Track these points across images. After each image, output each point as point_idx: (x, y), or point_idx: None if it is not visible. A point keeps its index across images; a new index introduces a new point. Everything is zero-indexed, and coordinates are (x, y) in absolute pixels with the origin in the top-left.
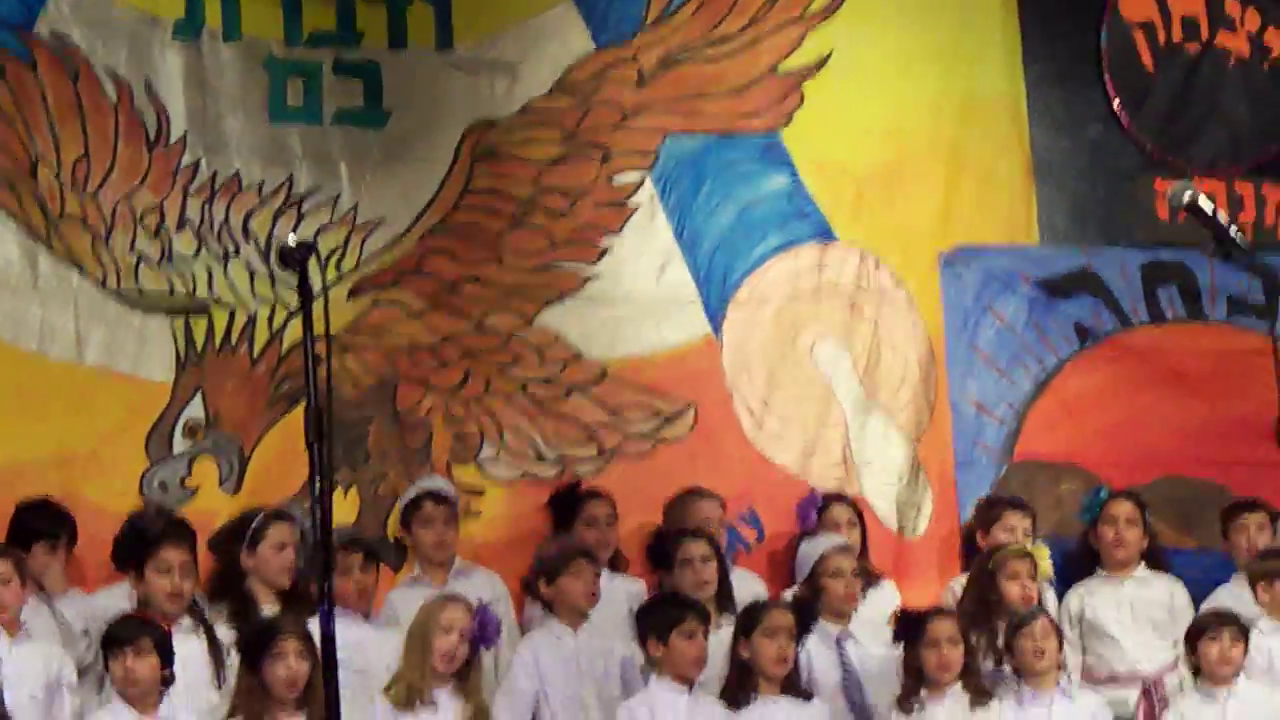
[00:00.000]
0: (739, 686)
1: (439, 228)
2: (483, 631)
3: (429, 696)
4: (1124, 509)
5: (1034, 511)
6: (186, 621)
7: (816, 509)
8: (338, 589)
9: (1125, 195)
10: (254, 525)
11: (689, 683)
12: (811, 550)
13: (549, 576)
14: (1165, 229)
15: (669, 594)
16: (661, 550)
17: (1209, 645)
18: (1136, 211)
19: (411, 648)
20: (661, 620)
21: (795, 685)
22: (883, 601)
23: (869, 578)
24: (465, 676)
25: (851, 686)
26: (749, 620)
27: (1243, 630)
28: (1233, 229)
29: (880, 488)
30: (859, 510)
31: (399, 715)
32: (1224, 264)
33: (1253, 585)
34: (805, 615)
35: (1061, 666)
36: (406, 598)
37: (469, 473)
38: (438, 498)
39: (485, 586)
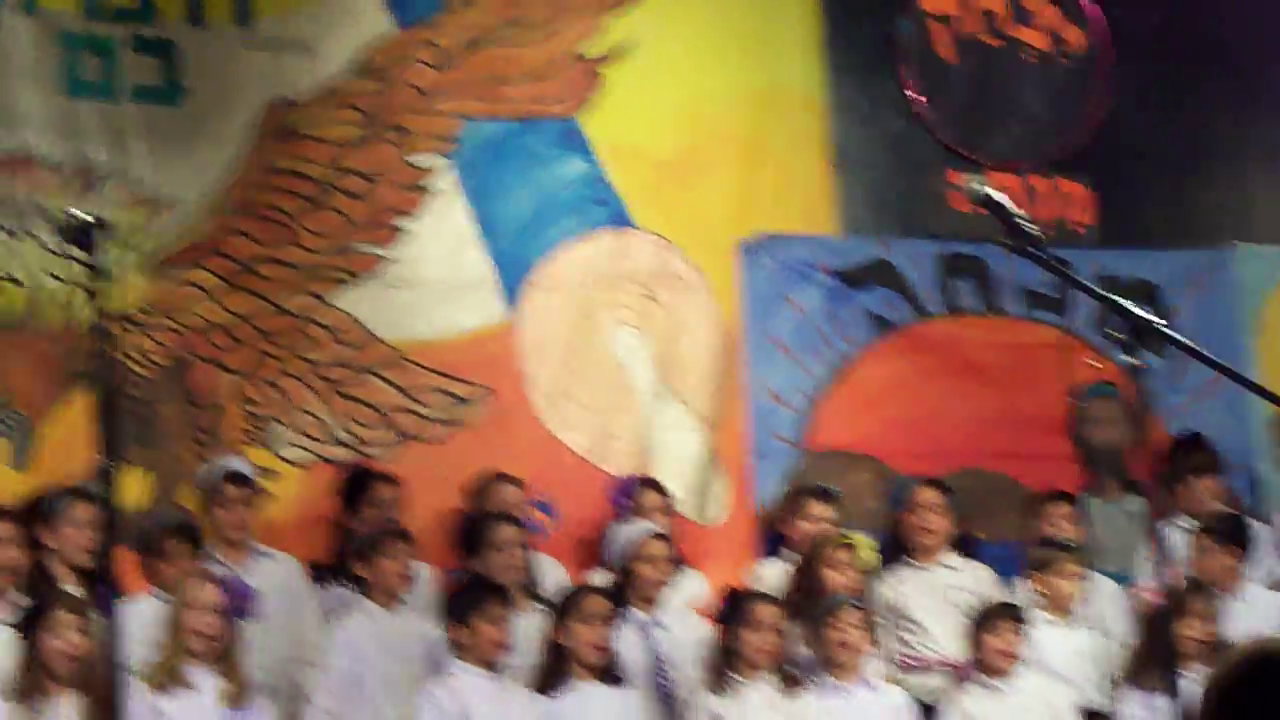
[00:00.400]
0: (553, 672)
1: (236, 208)
2: (238, 605)
3: (183, 677)
4: (929, 496)
5: (840, 500)
6: None
7: (629, 493)
8: (161, 570)
9: (922, 187)
10: (53, 503)
11: (492, 666)
12: (624, 535)
13: (364, 557)
14: (962, 222)
15: (472, 577)
16: (471, 533)
17: (989, 638)
18: (933, 204)
19: (165, 629)
20: (465, 603)
21: (609, 671)
22: (688, 588)
23: (676, 564)
24: (224, 655)
25: (659, 673)
26: (567, 606)
27: (1023, 622)
28: (1026, 223)
29: (675, 475)
30: (669, 497)
31: (155, 698)
32: (1019, 258)
33: (1028, 577)
34: (616, 601)
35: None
36: None
37: (262, 454)
38: (238, 479)
39: (282, 569)
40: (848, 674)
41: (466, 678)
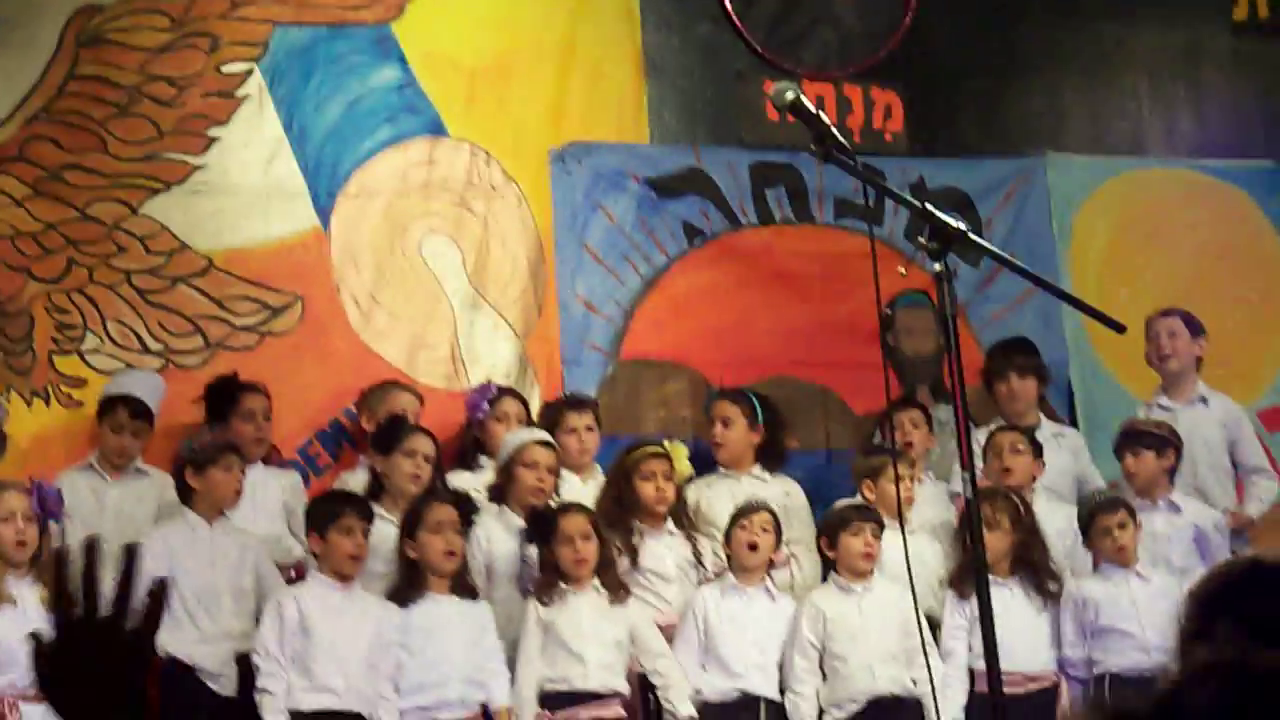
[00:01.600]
0: (407, 585)
1: (42, 114)
2: (45, 508)
3: (5, 591)
4: (722, 409)
5: (596, 407)
6: None
7: (489, 400)
8: None
9: (735, 96)
10: None
11: (346, 579)
12: (512, 439)
13: (198, 467)
14: (774, 130)
15: (332, 490)
16: (387, 435)
17: (850, 539)
18: (746, 112)
19: None
20: (322, 515)
21: (463, 583)
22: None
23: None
24: (37, 561)
25: (526, 578)
26: (413, 517)
27: (882, 526)
28: (835, 131)
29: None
30: (527, 407)
31: None
32: (826, 164)
33: (858, 483)
34: (496, 501)
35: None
36: (74, 482)
37: (71, 364)
38: (135, 409)
39: (155, 486)
40: (750, 577)
41: (317, 588)
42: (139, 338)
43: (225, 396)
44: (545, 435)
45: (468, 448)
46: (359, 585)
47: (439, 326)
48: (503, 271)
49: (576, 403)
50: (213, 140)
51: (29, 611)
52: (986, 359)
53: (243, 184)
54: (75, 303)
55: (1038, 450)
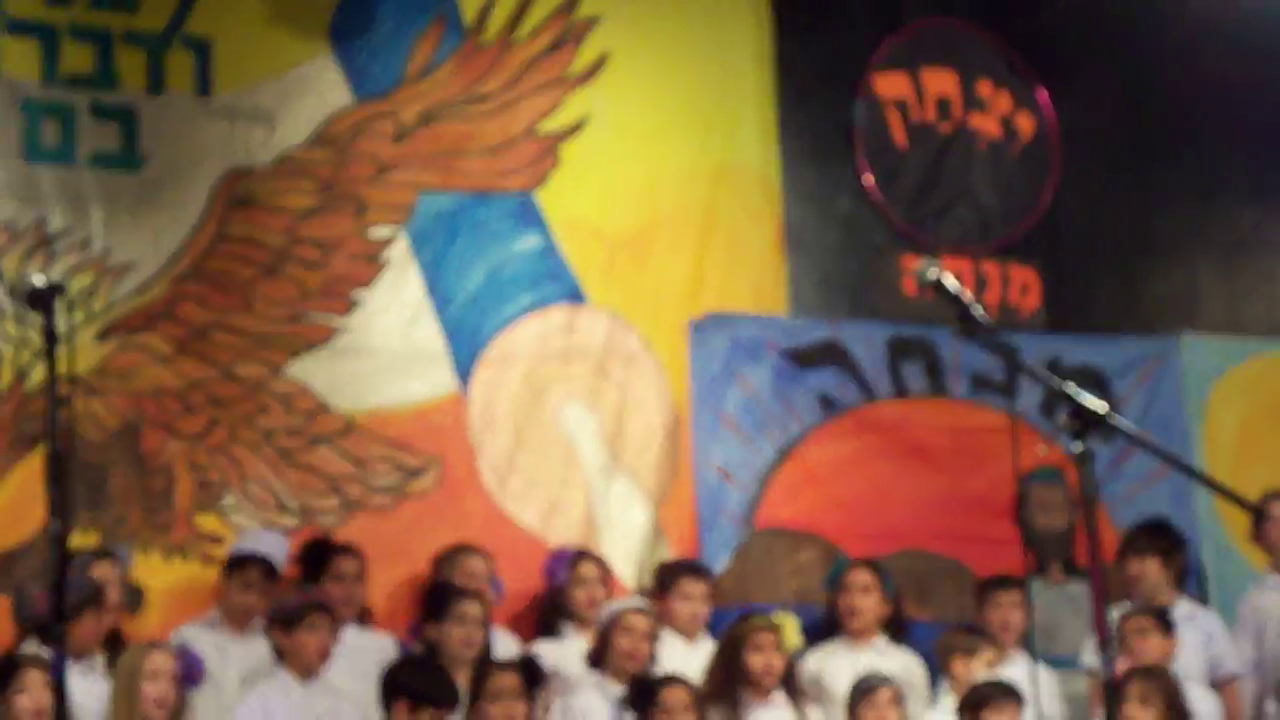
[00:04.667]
0: None
1: (190, 273)
2: (188, 673)
3: None
4: (861, 577)
5: (711, 577)
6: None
7: (567, 564)
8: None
9: (873, 270)
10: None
11: None
12: (612, 606)
13: (285, 626)
14: (911, 305)
15: (432, 666)
16: (434, 603)
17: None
18: (884, 286)
19: (119, 697)
20: (417, 689)
21: None
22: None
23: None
24: None
25: None
26: (476, 686)
27: (1021, 704)
28: (975, 308)
29: (622, 550)
30: (608, 569)
31: None
32: (966, 342)
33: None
34: (594, 667)
35: None
36: (197, 636)
37: (211, 520)
38: (267, 568)
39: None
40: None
41: None
42: (277, 496)
43: (318, 557)
44: (642, 602)
45: (547, 615)
46: None
47: (574, 492)
48: (638, 438)
49: (694, 570)
50: (356, 302)
51: None
52: (1121, 539)
53: (384, 346)
54: (216, 460)
55: (1167, 629)
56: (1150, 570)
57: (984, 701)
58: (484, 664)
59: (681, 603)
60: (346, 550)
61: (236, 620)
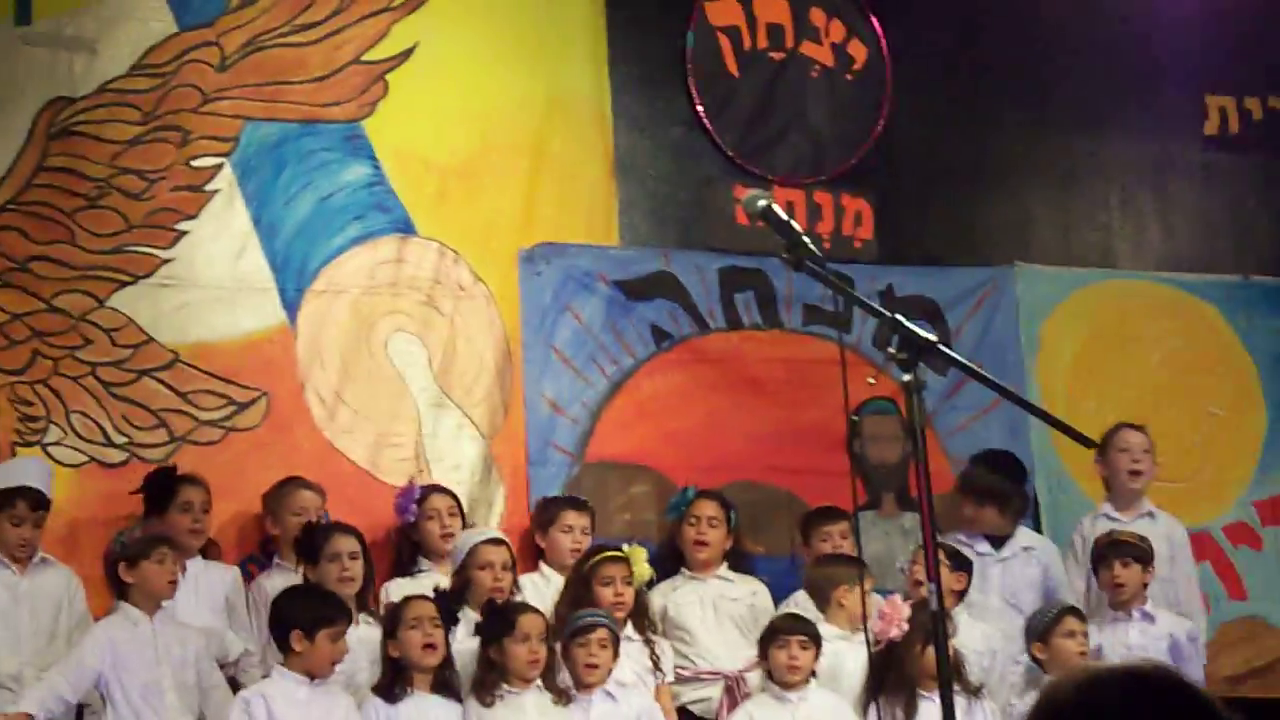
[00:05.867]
0: (392, 683)
1: (10, 205)
2: None
3: None
4: (708, 509)
5: (592, 510)
6: None
7: (415, 500)
8: None
9: (706, 200)
10: None
11: (313, 677)
12: (464, 541)
13: (130, 561)
14: (744, 235)
15: (318, 590)
16: (310, 543)
17: (777, 651)
18: (716, 216)
19: None
20: (312, 618)
21: (448, 682)
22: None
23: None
24: None
25: None
26: (393, 616)
27: (813, 637)
28: (804, 237)
29: (452, 483)
30: (459, 501)
31: None
32: (795, 272)
33: (811, 593)
34: (454, 604)
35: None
36: None
37: (34, 456)
38: (32, 499)
39: (61, 580)
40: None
41: (284, 685)
42: (103, 430)
43: (163, 488)
44: (496, 533)
45: (403, 552)
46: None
47: (404, 425)
48: (469, 371)
49: (578, 503)
50: (181, 234)
51: None
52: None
53: (210, 278)
54: (39, 394)
55: (958, 565)
56: (986, 516)
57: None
58: (403, 599)
59: (563, 534)
60: (192, 480)
61: (17, 557)
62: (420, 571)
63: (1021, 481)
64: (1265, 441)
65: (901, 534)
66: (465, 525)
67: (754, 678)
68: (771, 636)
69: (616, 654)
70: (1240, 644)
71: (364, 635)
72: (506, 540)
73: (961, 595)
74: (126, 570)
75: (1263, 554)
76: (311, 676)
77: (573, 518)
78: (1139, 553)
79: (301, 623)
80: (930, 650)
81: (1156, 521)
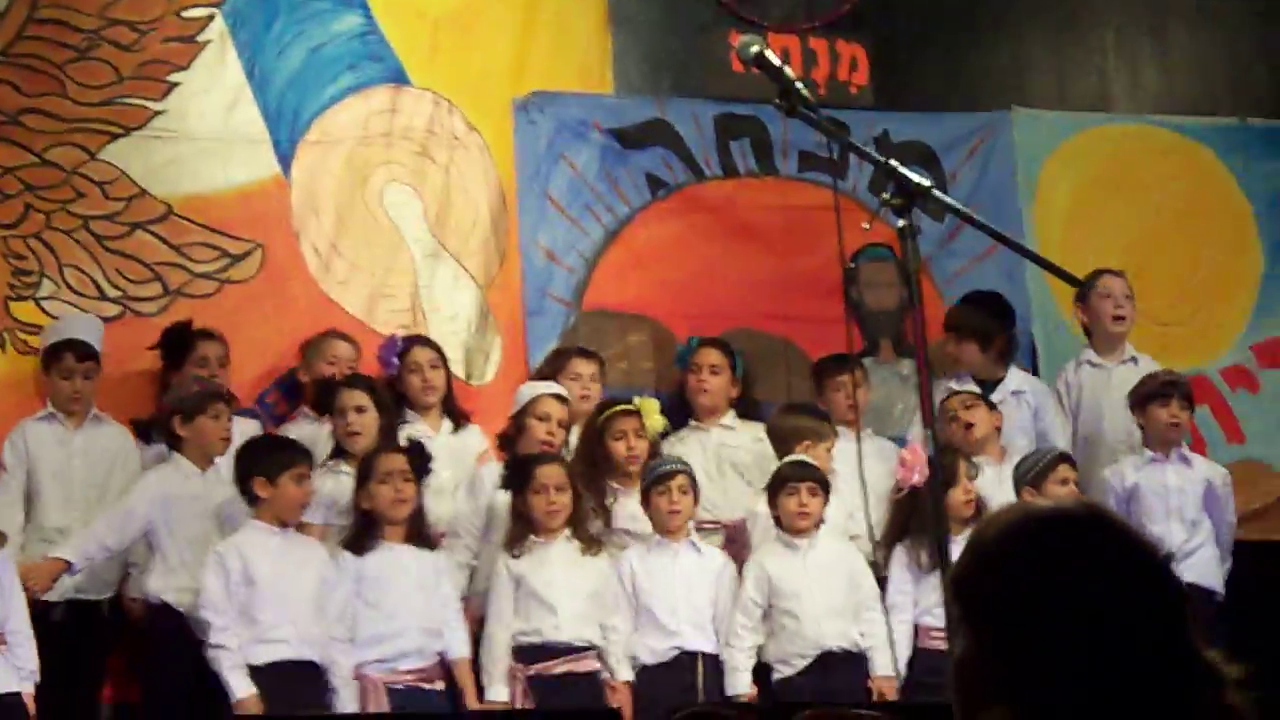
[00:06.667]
0: (362, 534)
1: (0, 58)
2: None
3: None
4: (709, 357)
5: (601, 358)
6: None
7: (397, 353)
8: None
9: (700, 47)
10: None
11: (286, 525)
12: (526, 391)
13: (186, 415)
14: (739, 82)
15: (275, 437)
16: (322, 397)
17: (786, 499)
18: (711, 63)
19: None
20: (275, 461)
21: (419, 532)
22: (473, 443)
23: (457, 420)
24: None
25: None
26: (365, 468)
27: (822, 483)
28: (797, 84)
29: (449, 334)
30: (441, 352)
31: None
32: (789, 118)
33: (773, 440)
34: (508, 450)
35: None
36: (39, 432)
37: (27, 310)
38: (79, 351)
39: (115, 436)
40: (678, 536)
41: (257, 535)
42: (96, 284)
43: (180, 343)
44: (559, 388)
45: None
46: (293, 530)
47: (399, 276)
48: (464, 221)
49: (585, 352)
50: (173, 85)
51: None
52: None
53: (202, 130)
54: (32, 248)
55: (990, 405)
56: (967, 353)
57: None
58: (374, 451)
59: (572, 383)
60: (209, 335)
61: (70, 410)
62: (404, 423)
63: (1006, 321)
64: (1261, 285)
65: (899, 380)
66: (450, 378)
67: (756, 525)
68: (780, 484)
69: (697, 499)
70: (1239, 487)
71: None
72: (568, 398)
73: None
74: (181, 424)
75: (1260, 397)
76: (283, 524)
77: (581, 365)
78: (1190, 395)
79: (262, 469)
80: (953, 492)
81: (1139, 366)
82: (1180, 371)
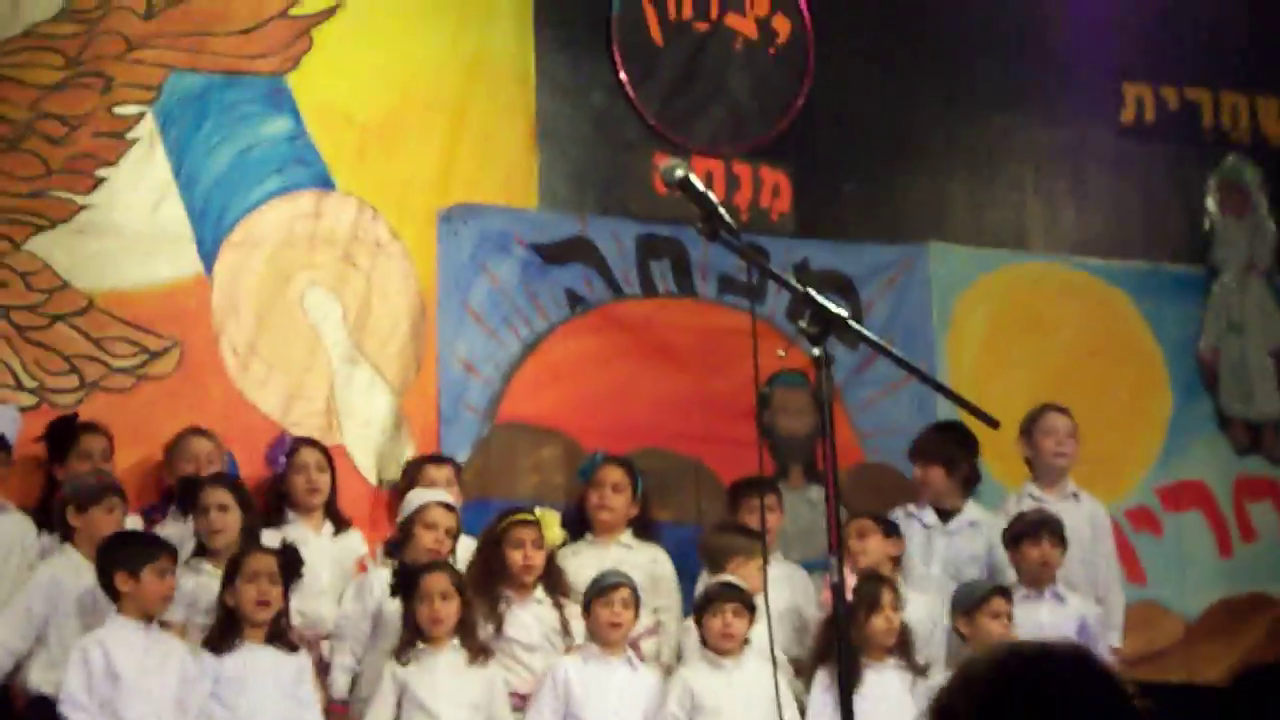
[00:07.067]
0: (224, 634)
1: None
2: None
3: None
4: (612, 475)
5: (456, 464)
6: None
7: (285, 452)
8: None
9: (625, 166)
10: None
11: (150, 620)
12: (415, 498)
13: (80, 506)
14: (662, 203)
15: (136, 531)
16: (185, 493)
17: (711, 619)
18: (635, 183)
19: None
20: (136, 555)
21: (281, 634)
22: (354, 547)
23: (339, 524)
24: None
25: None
26: (232, 566)
27: (748, 604)
28: (719, 208)
29: (362, 439)
30: (329, 455)
31: None
32: (710, 242)
33: (705, 559)
34: (391, 556)
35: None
36: None
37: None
38: None
39: (13, 527)
40: (613, 649)
41: (121, 630)
42: (14, 374)
43: (64, 436)
44: (447, 496)
45: (272, 502)
46: (156, 625)
47: (316, 379)
48: (383, 327)
49: (437, 458)
50: (101, 180)
51: None
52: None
53: (128, 226)
54: None
55: (888, 531)
56: (933, 477)
57: (705, 605)
58: (243, 550)
59: (427, 491)
60: (93, 428)
61: None
62: (285, 524)
63: (970, 450)
64: (1169, 428)
65: (809, 506)
66: (334, 481)
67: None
68: (705, 603)
69: (637, 614)
70: (1138, 627)
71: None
72: (456, 509)
73: (897, 561)
74: (75, 514)
75: (1163, 540)
76: (148, 618)
77: (433, 472)
78: (1063, 532)
79: (124, 564)
80: (875, 620)
81: (1080, 503)
82: None
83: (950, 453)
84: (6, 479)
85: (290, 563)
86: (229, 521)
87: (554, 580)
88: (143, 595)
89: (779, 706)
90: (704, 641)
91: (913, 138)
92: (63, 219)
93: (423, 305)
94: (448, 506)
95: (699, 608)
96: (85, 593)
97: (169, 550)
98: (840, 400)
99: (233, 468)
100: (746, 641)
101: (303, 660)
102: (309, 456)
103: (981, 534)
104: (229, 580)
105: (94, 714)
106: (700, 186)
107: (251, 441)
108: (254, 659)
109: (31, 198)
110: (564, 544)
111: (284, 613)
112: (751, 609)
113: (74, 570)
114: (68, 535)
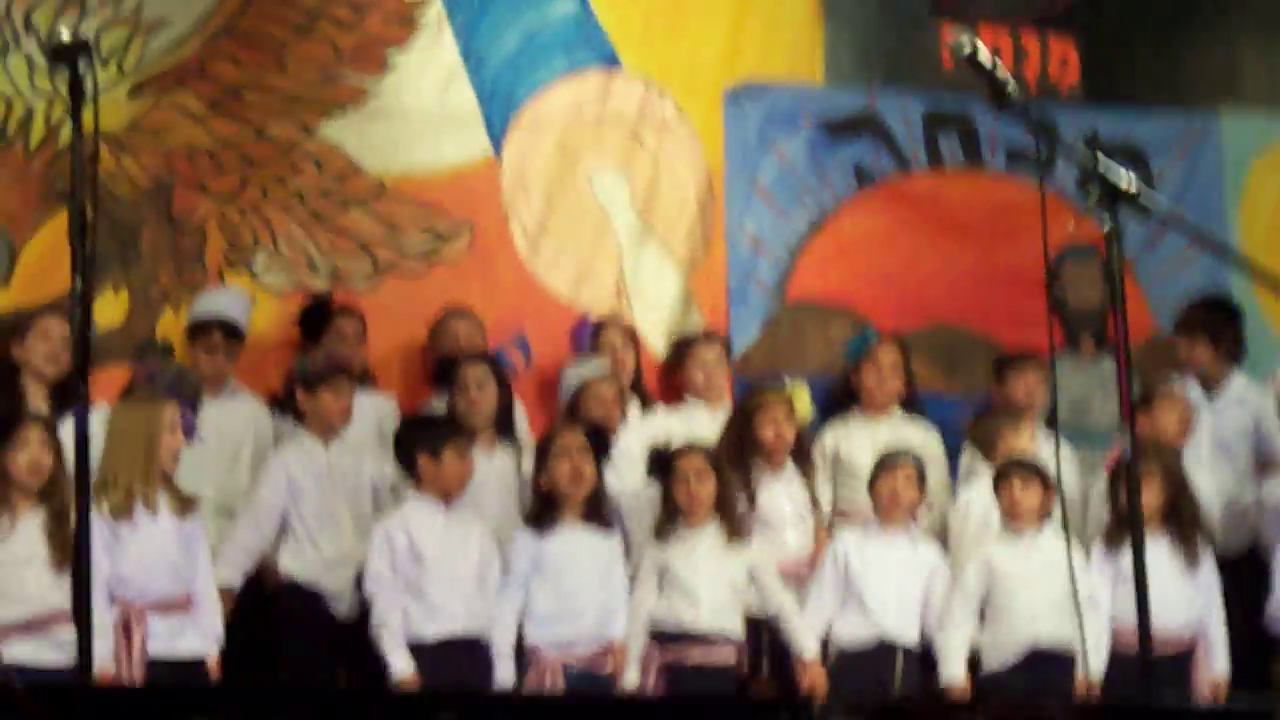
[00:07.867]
0: (541, 514)
1: (223, 31)
2: (186, 429)
3: (154, 502)
4: (891, 355)
5: (724, 341)
6: None
7: (590, 334)
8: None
9: (912, 40)
10: (27, 319)
11: (448, 500)
12: (573, 376)
13: (308, 388)
14: (949, 76)
15: (435, 416)
16: (443, 372)
17: (1001, 494)
18: (921, 57)
19: (131, 450)
20: (437, 436)
21: (598, 512)
22: (655, 429)
23: (645, 403)
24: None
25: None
26: (542, 446)
27: (1041, 476)
28: (1008, 81)
29: (651, 318)
30: (634, 335)
31: (118, 526)
32: (998, 115)
33: (977, 445)
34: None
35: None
36: None
37: (242, 280)
38: (228, 330)
39: (247, 410)
40: (894, 524)
41: (421, 512)
42: (309, 257)
43: (318, 319)
44: (603, 365)
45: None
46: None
47: (605, 259)
48: (671, 206)
49: (707, 336)
50: (390, 64)
51: (164, 518)
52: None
53: (418, 109)
54: (248, 220)
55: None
56: (1197, 350)
57: (1000, 477)
58: (553, 428)
59: (697, 371)
60: (347, 311)
61: (208, 383)
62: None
63: (1236, 323)
64: None
65: (1100, 377)
66: (639, 360)
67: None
68: (997, 479)
69: (922, 492)
70: None
71: (498, 465)
72: (612, 371)
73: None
74: (304, 396)
75: None
76: (446, 499)
77: (703, 351)
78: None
79: (426, 444)
80: (1148, 494)
81: None
82: None
83: (1214, 324)
84: (238, 361)
85: (601, 439)
86: (483, 398)
87: (804, 455)
88: (444, 475)
89: (1072, 580)
90: (1004, 512)
91: (1203, 1)
92: (353, 103)
93: (710, 184)
94: (608, 379)
95: (995, 481)
96: (319, 475)
97: (467, 431)
98: (1132, 273)
99: (525, 348)
100: (1046, 514)
101: (615, 542)
102: (615, 337)
103: (1249, 409)
104: (540, 460)
105: (397, 595)
106: (988, 64)
107: (543, 322)
108: (574, 539)
109: (323, 83)
110: (815, 420)
111: (599, 490)
112: (1045, 482)
113: (305, 454)
114: (299, 417)
